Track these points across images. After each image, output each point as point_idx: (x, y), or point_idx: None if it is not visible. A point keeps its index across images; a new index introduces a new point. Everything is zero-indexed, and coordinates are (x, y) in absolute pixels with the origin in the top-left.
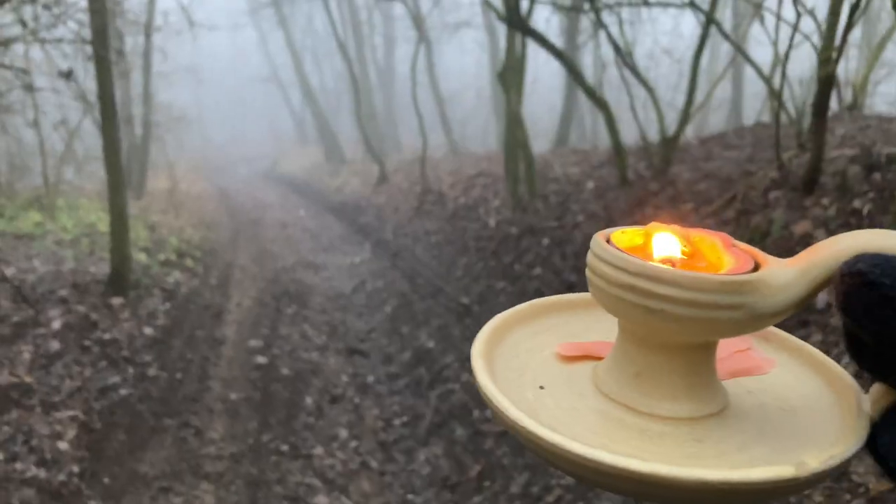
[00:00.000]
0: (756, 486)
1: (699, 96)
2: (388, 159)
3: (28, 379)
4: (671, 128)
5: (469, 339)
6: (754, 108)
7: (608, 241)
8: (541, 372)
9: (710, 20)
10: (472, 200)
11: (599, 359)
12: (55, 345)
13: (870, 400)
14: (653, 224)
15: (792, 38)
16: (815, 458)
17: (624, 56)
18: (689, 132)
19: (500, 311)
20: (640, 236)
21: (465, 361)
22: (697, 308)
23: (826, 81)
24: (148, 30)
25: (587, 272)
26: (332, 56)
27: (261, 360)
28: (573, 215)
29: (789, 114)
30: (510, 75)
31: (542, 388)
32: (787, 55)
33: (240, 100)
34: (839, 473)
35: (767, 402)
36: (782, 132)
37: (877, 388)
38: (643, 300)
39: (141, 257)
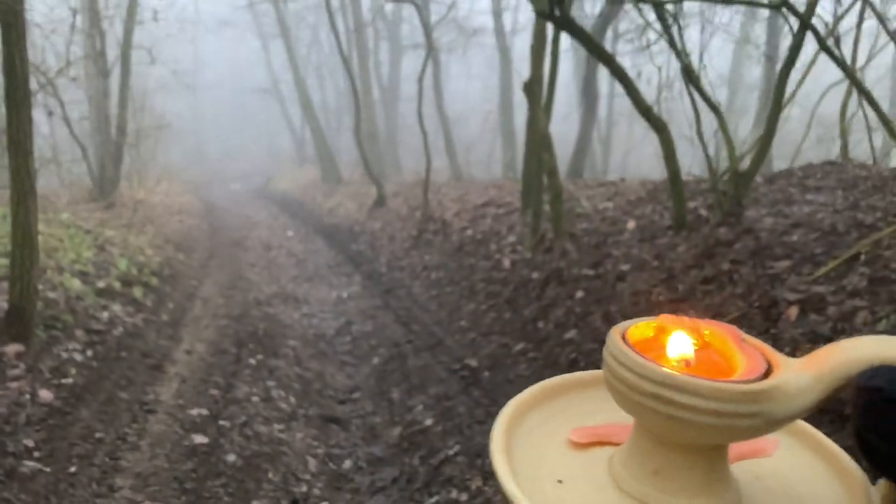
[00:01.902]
0: None
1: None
2: (387, 182)
3: None
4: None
5: (477, 419)
6: (788, 142)
7: (624, 338)
8: (557, 463)
9: (805, 25)
10: (481, 234)
11: (612, 444)
12: None
13: (878, 494)
14: (664, 317)
15: None
16: None
17: (689, 71)
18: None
19: (518, 383)
20: (651, 329)
21: (475, 455)
22: (717, 417)
23: None
24: (128, 24)
25: (604, 371)
26: (335, 73)
27: (200, 440)
28: (614, 263)
29: None
30: (537, 88)
31: (560, 482)
32: None
33: (239, 113)
34: None
35: (774, 488)
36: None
37: (885, 483)
38: (665, 408)
39: (72, 285)
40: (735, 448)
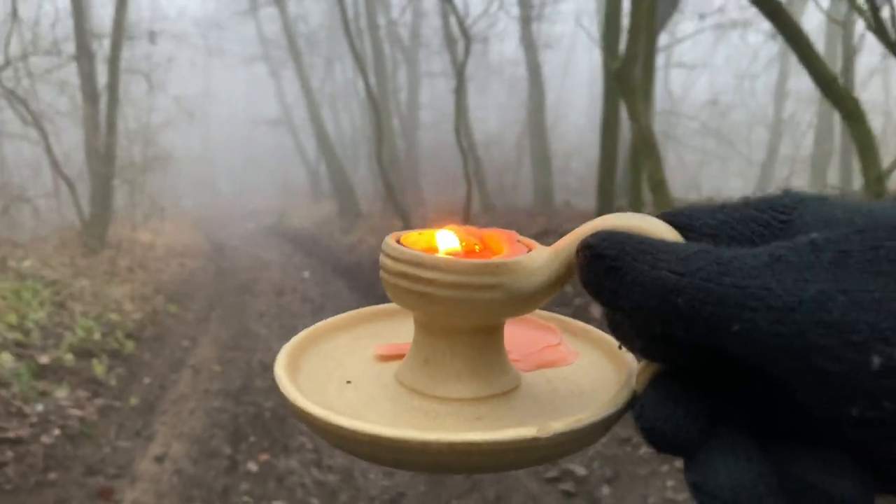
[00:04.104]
0: (501, 446)
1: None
2: (411, 214)
3: None
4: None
5: None
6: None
7: (398, 240)
8: (353, 371)
9: None
10: None
11: None
12: None
13: (637, 373)
14: (447, 226)
15: None
16: (562, 422)
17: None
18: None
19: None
20: (433, 237)
21: None
22: (458, 290)
23: None
24: (115, 37)
25: (380, 269)
26: (350, 104)
27: None
28: None
29: None
30: (631, 73)
31: (349, 382)
32: None
33: (252, 148)
34: (594, 441)
35: (560, 387)
36: None
37: (643, 362)
38: (413, 285)
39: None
40: (536, 358)
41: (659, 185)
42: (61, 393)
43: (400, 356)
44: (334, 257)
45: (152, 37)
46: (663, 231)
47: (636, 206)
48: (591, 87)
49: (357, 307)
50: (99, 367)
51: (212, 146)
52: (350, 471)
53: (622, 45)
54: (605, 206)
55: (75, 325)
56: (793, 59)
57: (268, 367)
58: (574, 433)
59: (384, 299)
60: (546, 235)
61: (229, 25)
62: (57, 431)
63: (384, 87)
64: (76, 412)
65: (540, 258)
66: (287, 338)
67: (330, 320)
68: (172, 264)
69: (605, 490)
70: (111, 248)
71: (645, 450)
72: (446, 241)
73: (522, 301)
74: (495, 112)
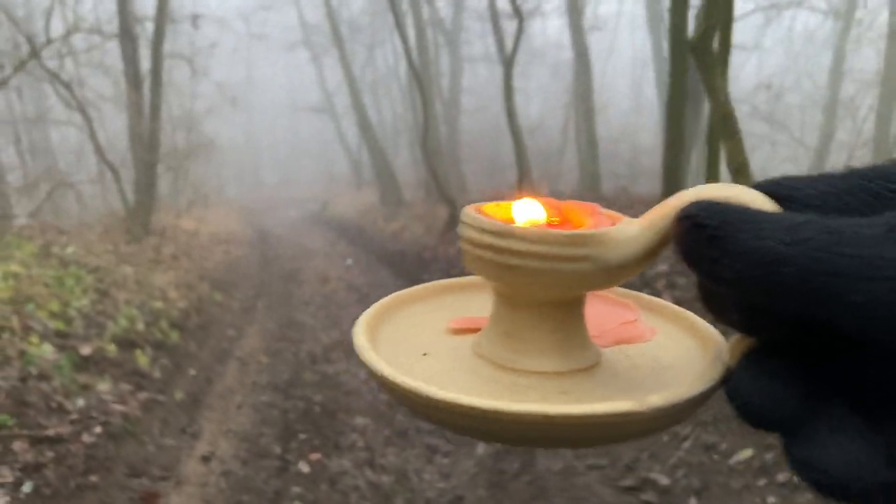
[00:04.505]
0: (597, 420)
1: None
2: (456, 202)
3: None
4: None
5: None
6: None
7: (478, 210)
8: (428, 343)
9: None
10: None
11: None
12: None
13: (728, 348)
14: (525, 197)
15: None
16: (660, 396)
17: None
18: None
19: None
20: (510, 210)
21: None
22: (546, 261)
23: None
24: (159, 21)
25: (460, 241)
26: (391, 91)
27: None
28: None
29: None
30: (709, 45)
31: (425, 354)
32: None
33: (296, 136)
34: (686, 418)
35: (641, 363)
36: None
37: (734, 336)
38: (498, 256)
39: (40, 353)
40: (613, 334)
41: (741, 169)
42: (104, 386)
43: (474, 330)
44: (378, 245)
45: (195, 21)
46: (762, 202)
47: None
48: (633, 71)
49: None
50: (143, 359)
51: (255, 134)
52: (404, 471)
53: (691, 18)
54: (671, 192)
55: (118, 313)
56: (850, 39)
57: (316, 359)
58: (672, 407)
59: None
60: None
61: (271, 11)
62: (98, 429)
63: (427, 71)
64: (119, 407)
65: (631, 230)
66: (334, 329)
67: (402, 292)
68: (217, 252)
69: (693, 503)
70: (155, 236)
71: (737, 458)
72: (528, 211)
73: (612, 273)
74: (538, 97)
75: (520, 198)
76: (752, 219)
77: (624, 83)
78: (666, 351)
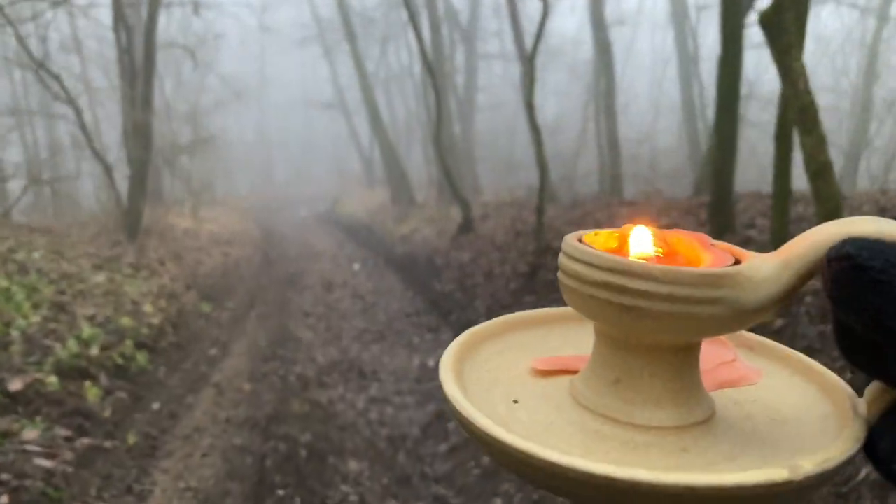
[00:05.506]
0: (748, 491)
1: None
2: (470, 202)
3: None
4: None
5: None
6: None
7: (580, 241)
8: (514, 387)
9: None
10: None
11: (576, 372)
12: None
13: (865, 402)
14: (626, 226)
15: None
16: (810, 461)
17: None
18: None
19: None
20: (615, 239)
21: None
22: (675, 303)
23: None
24: (153, 5)
25: (559, 275)
26: (404, 89)
27: None
28: None
29: None
30: (786, 23)
31: (515, 402)
32: None
33: (307, 133)
34: (837, 480)
35: (755, 413)
36: None
37: (872, 388)
38: (617, 297)
39: None
40: (714, 376)
41: (823, 171)
42: (31, 433)
43: (562, 372)
44: (387, 248)
45: (196, 8)
46: None
47: (782, 196)
48: (653, 70)
49: (412, 307)
50: (92, 392)
51: (268, 131)
52: None
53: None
54: (721, 197)
55: (72, 334)
56: (884, 37)
57: (308, 384)
58: (824, 475)
59: (440, 297)
60: None
61: (284, 5)
62: (4, 499)
63: (442, 67)
64: (44, 463)
65: (766, 268)
66: (333, 345)
67: (478, 328)
68: (215, 254)
69: None
70: (147, 236)
71: None
72: (639, 244)
73: (745, 316)
74: (554, 98)
75: (628, 225)
76: None
77: (642, 83)
78: (779, 398)
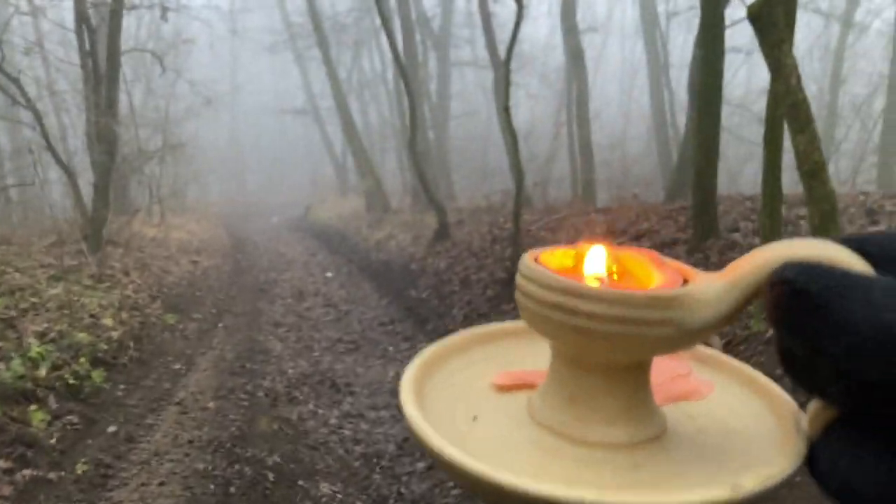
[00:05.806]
0: None
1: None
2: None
3: None
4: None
5: None
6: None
7: (536, 260)
8: (475, 403)
9: None
10: None
11: (537, 387)
12: None
13: (808, 418)
14: (581, 244)
15: None
16: (752, 479)
17: None
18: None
19: None
20: (570, 258)
21: None
22: (625, 325)
23: None
24: (116, 6)
25: (516, 294)
26: (378, 97)
27: None
28: None
29: None
30: (777, 16)
31: (475, 418)
32: None
33: (280, 140)
34: (779, 495)
35: (707, 426)
36: None
37: (814, 405)
38: (570, 319)
39: None
40: (667, 390)
41: (816, 171)
42: None
43: (522, 386)
44: (361, 255)
45: (164, 12)
46: (853, 262)
47: (773, 200)
48: (622, 78)
49: (386, 316)
50: (38, 417)
51: (240, 137)
52: None
53: None
54: (704, 200)
55: (18, 353)
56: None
57: (277, 399)
58: (765, 492)
59: (416, 304)
60: (621, 236)
61: (254, 9)
62: None
63: (415, 73)
64: None
65: (713, 289)
66: (304, 356)
67: (440, 345)
68: (183, 263)
69: None
70: (111, 245)
71: None
72: (594, 264)
73: (692, 336)
74: (526, 103)
75: (584, 243)
76: (855, 284)
77: (612, 90)
78: (729, 412)
